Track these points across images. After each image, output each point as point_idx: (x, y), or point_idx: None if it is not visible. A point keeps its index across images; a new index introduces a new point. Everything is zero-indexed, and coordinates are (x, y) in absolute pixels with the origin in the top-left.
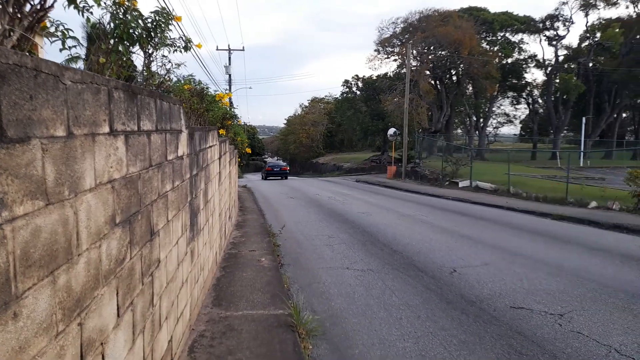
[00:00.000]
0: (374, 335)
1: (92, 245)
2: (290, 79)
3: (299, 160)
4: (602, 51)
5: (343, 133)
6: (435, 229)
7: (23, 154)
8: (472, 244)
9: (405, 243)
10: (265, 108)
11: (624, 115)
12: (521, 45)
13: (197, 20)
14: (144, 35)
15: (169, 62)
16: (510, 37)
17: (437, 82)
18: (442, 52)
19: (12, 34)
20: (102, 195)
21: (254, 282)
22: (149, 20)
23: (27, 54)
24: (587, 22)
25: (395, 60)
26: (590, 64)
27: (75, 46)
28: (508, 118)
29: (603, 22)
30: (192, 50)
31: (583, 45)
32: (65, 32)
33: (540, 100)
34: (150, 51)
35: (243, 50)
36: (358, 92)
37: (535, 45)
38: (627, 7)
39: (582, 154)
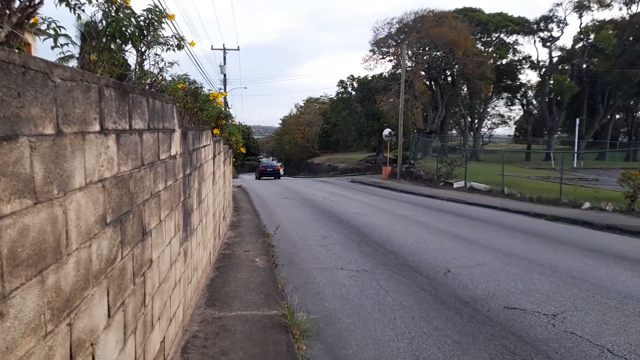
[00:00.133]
0: (368, 336)
1: (82, 245)
2: (286, 78)
3: (294, 160)
4: (596, 53)
5: (338, 133)
6: (430, 230)
7: (10, 152)
8: (466, 244)
9: (399, 243)
10: (261, 108)
11: (618, 116)
12: (516, 47)
13: (192, 19)
14: (137, 34)
15: (162, 60)
16: (504, 38)
17: (432, 82)
18: (437, 53)
19: (0, 30)
20: (93, 195)
21: (248, 282)
22: (142, 18)
23: (16, 50)
24: (581, 23)
25: (390, 60)
26: (584, 66)
27: (67, 44)
28: (502, 119)
29: (597, 23)
30: (186, 49)
31: (577, 46)
32: (57, 29)
33: (534, 102)
34: (143, 49)
35: (238, 49)
36: (353, 93)
37: (529, 47)
38: (620, 9)
39: (575, 155)
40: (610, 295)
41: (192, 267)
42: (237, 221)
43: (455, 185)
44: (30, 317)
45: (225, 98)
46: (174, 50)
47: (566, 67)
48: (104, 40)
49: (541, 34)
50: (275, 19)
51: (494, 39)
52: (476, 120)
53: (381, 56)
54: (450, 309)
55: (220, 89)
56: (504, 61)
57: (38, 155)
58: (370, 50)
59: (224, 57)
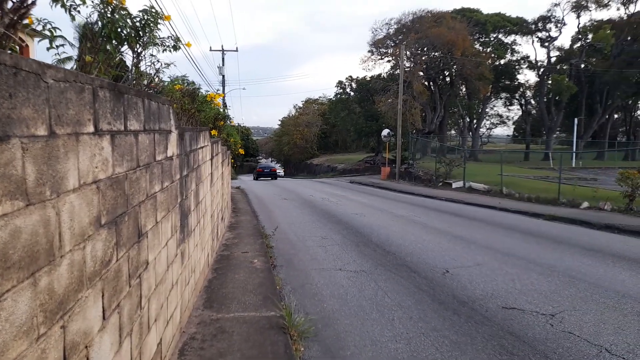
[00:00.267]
0: (366, 337)
1: (76, 247)
2: (285, 79)
3: (293, 161)
4: (594, 52)
5: (337, 134)
6: (429, 230)
7: (2, 153)
8: (464, 244)
9: (398, 244)
10: (260, 109)
11: (616, 116)
12: (514, 47)
13: (191, 21)
14: (133, 35)
15: (158, 61)
16: (503, 38)
17: (431, 83)
18: (436, 53)
19: None
20: (87, 196)
21: (246, 283)
22: (137, 19)
23: (9, 51)
24: (579, 23)
25: (388, 61)
26: (582, 65)
27: (63, 45)
28: (501, 119)
29: (595, 23)
30: (184, 50)
31: (575, 46)
32: (52, 30)
33: (532, 102)
34: (139, 50)
35: (237, 51)
36: (352, 93)
37: (527, 47)
38: (618, 9)
39: (574, 154)
40: (609, 295)
41: (190, 269)
42: (235, 222)
43: (454, 185)
44: (22, 320)
45: (223, 99)
46: (170, 51)
47: (564, 67)
48: (99, 41)
49: (539, 34)
50: (274, 19)
51: (492, 39)
52: (475, 121)
53: (379, 57)
54: (448, 310)
55: (218, 89)
56: (502, 61)
57: (30, 157)
58: (369, 51)
59: (223, 59)
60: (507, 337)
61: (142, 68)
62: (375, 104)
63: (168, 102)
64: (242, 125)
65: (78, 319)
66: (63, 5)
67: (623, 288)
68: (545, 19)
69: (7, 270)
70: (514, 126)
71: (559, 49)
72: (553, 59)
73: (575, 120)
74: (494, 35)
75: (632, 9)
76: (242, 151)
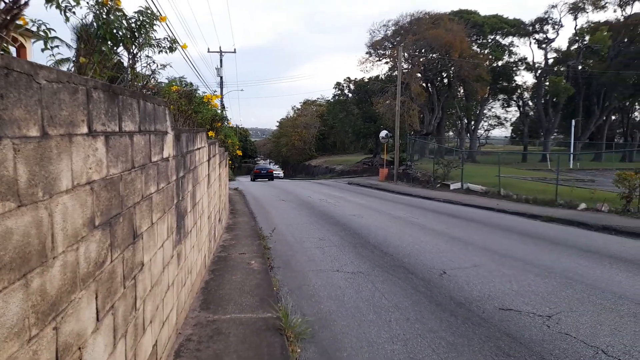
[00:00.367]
0: (362, 338)
1: (69, 248)
2: (283, 81)
3: (291, 162)
4: (591, 54)
5: (335, 135)
6: (426, 231)
7: None
8: (462, 245)
9: (395, 245)
10: (258, 110)
11: (613, 117)
12: (511, 48)
13: (189, 23)
14: (128, 36)
15: (154, 62)
16: (500, 40)
17: (429, 84)
18: (433, 55)
19: None
20: (80, 197)
21: (243, 285)
22: (133, 20)
23: (1, 52)
24: (576, 25)
25: (386, 62)
26: (580, 67)
27: (58, 46)
28: (499, 120)
29: (592, 25)
30: (181, 52)
31: (572, 48)
32: (47, 31)
33: (530, 103)
34: (135, 51)
35: (235, 52)
36: (350, 95)
37: (525, 48)
38: (614, 11)
39: (571, 156)
40: (605, 296)
41: (186, 270)
42: (233, 224)
43: (452, 186)
44: (14, 321)
45: (221, 101)
46: (166, 52)
47: (562, 69)
48: (95, 42)
49: (537, 36)
50: (273, 20)
51: (489, 40)
52: (472, 122)
53: (377, 58)
54: (445, 311)
55: (215, 91)
56: (500, 63)
57: (22, 158)
58: (367, 53)
59: (220, 60)
60: (503, 339)
61: (138, 69)
62: (373, 106)
63: (164, 103)
64: (240, 126)
65: (71, 320)
66: (58, 6)
67: (620, 289)
68: (542, 21)
69: None
70: (511, 128)
71: (556, 50)
72: (550, 61)
73: (573, 121)
74: (492, 37)
75: (628, 10)
76: (239, 152)
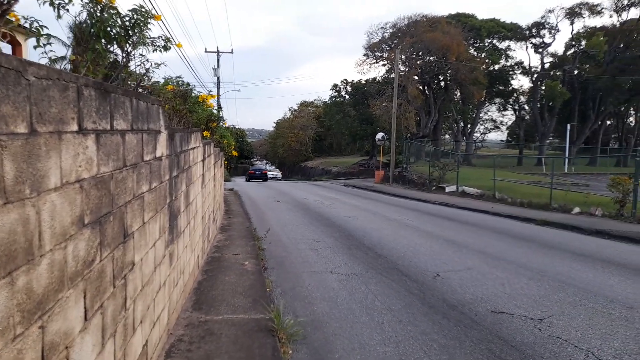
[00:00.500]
0: (354, 340)
1: (57, 247)
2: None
3: (287, 164)
4: (587, 59)
5: (332, 137)
6: (421, 234)
7: None
8: (456, 248)
9: (390, 247)
10: (255, 111)
11: (608, 122)
12: (508, 52)
13: (187, 23)
14: (122, 34)
15: (148, 61)
16: (497, 43)
17: (425, 87)
18: (431, 58)
19: None
20: (69, 195)
21: (236, 286)
22: (127, 18)
23: None
24: (573, 30)
25: (384, 65)
26: (576, 72)
27: (50, 44)
28: (495, 124)
29: (588, 30)
30: (177, 51)
31: (568, 53)
32: (40, 29)
33: (526, 107)
34: (128, 50)
35: (232, 52)
36: (347, 97)
37: (521, 52)
38: (610, 17)
39: (567, 160)
40: (597, 300)
41: (179, 270)
42: (227, 224)
43: (447, 189)
44: None
45: (218, 101)
46: (160, 51)
47: (558, 73)
48: (89, 40)
49: (533, 40)
50: (272, 19)
51: (486, 44)
52: (469, 125)
53: (375, 61)
54: (438, 313)
55: (210, 91)
56: (497, 67)
57: (9, 154)
58: (364, 55)
59: (218, 60)
60: (495, 342)
61: (132, 68)
62: (370, 108)
63: (158, 102)
64: (236, 127)
65: (58, 319)
66: (51, 4)
67: (612, 293)
68: (539, 25)
69: None
70: (507, 131)
71: (553, 55)
72: (547, 65)
73: (568, 126)
74: (489, 41)
75: (624, 16)
76: (235, 153)
